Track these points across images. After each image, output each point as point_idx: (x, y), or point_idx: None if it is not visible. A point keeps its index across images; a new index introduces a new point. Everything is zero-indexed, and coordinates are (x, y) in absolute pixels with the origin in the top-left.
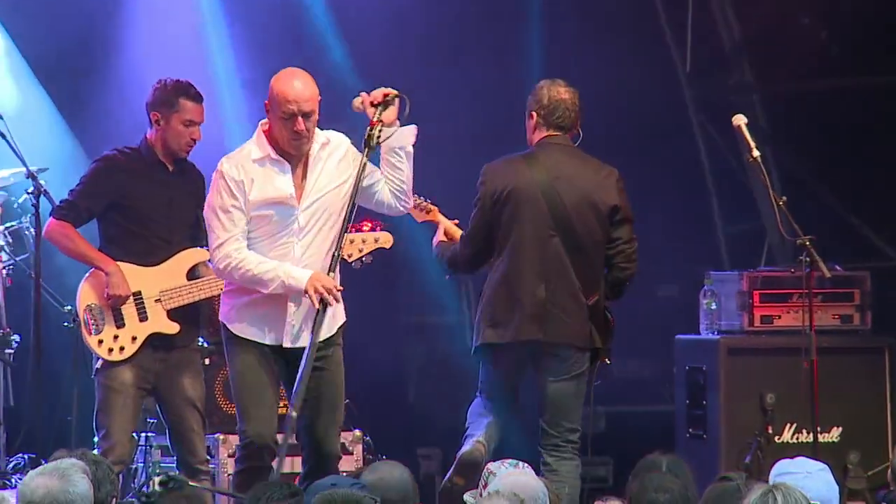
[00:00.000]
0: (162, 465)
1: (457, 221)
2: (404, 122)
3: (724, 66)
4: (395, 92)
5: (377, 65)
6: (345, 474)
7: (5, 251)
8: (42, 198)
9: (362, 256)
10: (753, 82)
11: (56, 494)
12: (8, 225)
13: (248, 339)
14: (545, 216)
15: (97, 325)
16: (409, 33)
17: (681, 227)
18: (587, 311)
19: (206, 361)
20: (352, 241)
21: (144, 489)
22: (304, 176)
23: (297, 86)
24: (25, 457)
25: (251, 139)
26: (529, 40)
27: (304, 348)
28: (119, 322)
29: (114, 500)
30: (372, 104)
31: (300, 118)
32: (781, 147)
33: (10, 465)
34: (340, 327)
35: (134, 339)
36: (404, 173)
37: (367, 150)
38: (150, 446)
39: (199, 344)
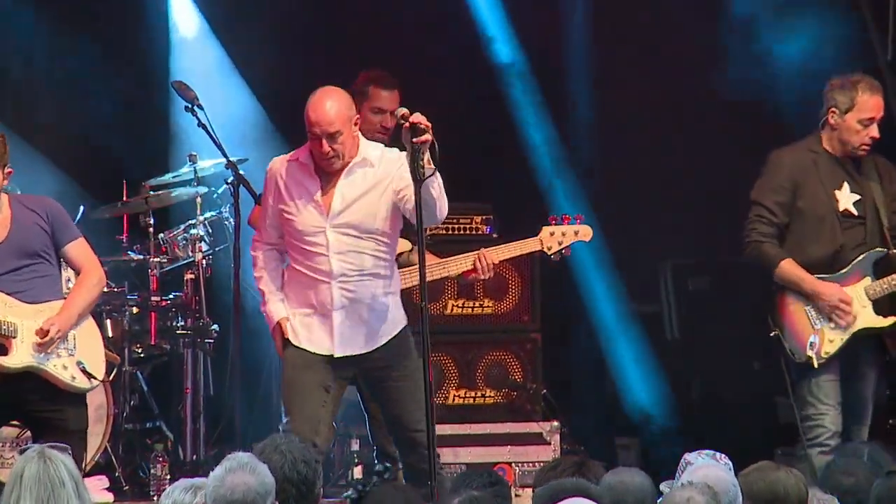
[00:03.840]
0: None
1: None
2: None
3: None
4: (426, 134)
5: None
6: (543, 464)
7: (205, 241)
8: (241, 188)
9: (561, 249)
10: None
11: (256, 489)
12: (208, 215)
13: (302, 348)
14: None
15: None
16: None
17: None
18: None
19: None
20: (552, 234)
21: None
22: (335, 188)
23: (322, 108)
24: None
25: (299, 150)
26: None
27: (353, 356)
28: None
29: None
30: (408, 124)
31: (324, 140)
32: None
33: (212, 455)
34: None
35: None
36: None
37: (417, 185)
38: (350, 436)
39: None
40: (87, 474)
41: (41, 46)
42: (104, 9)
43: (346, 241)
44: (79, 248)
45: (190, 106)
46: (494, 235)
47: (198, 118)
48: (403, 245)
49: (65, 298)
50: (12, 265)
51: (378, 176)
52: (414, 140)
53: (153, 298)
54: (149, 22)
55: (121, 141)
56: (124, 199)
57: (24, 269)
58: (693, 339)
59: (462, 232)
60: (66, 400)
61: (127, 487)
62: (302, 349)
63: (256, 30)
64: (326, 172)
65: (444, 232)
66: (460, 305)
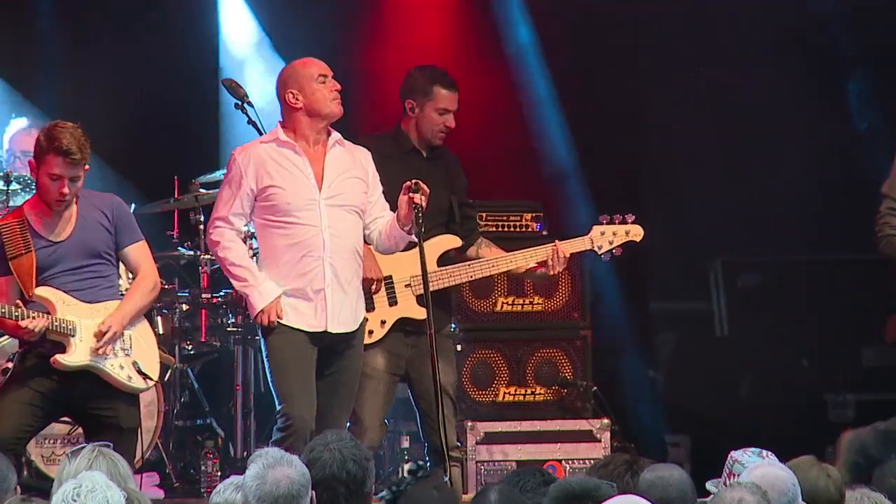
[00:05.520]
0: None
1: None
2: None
3: None
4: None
5: None
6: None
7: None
8: None
9: (612, 248)
10: None
11: (299, 480)
12: None
13: (291, 327)
14: None
15: None
16: None
17: None
18: None
19: (458, 347)
20: (602, 233)
21: (394, 479)
22: (322, 167)
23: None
24: None
25: (265, 135)
26: None
27: (344, 333)
28: (369, 306)
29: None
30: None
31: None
32: None
33: None
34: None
35: (383, 323)
36: (394, 242)
37: (419, 239)
38: (400, 433)
39: (451, 330)
40: (137, 471)
41: (92, 45)
42: (154, 7)
43: (337, 215)
44: (139, 251)
45: (240, 103)
46: (545, 233)
47: (247, 115)
48: (453, 241)
49: (120, 298)
50: (74, 264)
51: (354, 160)
52: (413, 197)
53: (204, 295)
54: (198, 20)
55: (171, 138)
56: (175, 196)
57: (85, 268)
58: (742, 336)
59: (512, 229)
60: (120, 398)
61: (177, 484)
62: (293, 329)
63: (306, 28)
64: (309, 149)
65: (494, 229)
66: (510, 303)
